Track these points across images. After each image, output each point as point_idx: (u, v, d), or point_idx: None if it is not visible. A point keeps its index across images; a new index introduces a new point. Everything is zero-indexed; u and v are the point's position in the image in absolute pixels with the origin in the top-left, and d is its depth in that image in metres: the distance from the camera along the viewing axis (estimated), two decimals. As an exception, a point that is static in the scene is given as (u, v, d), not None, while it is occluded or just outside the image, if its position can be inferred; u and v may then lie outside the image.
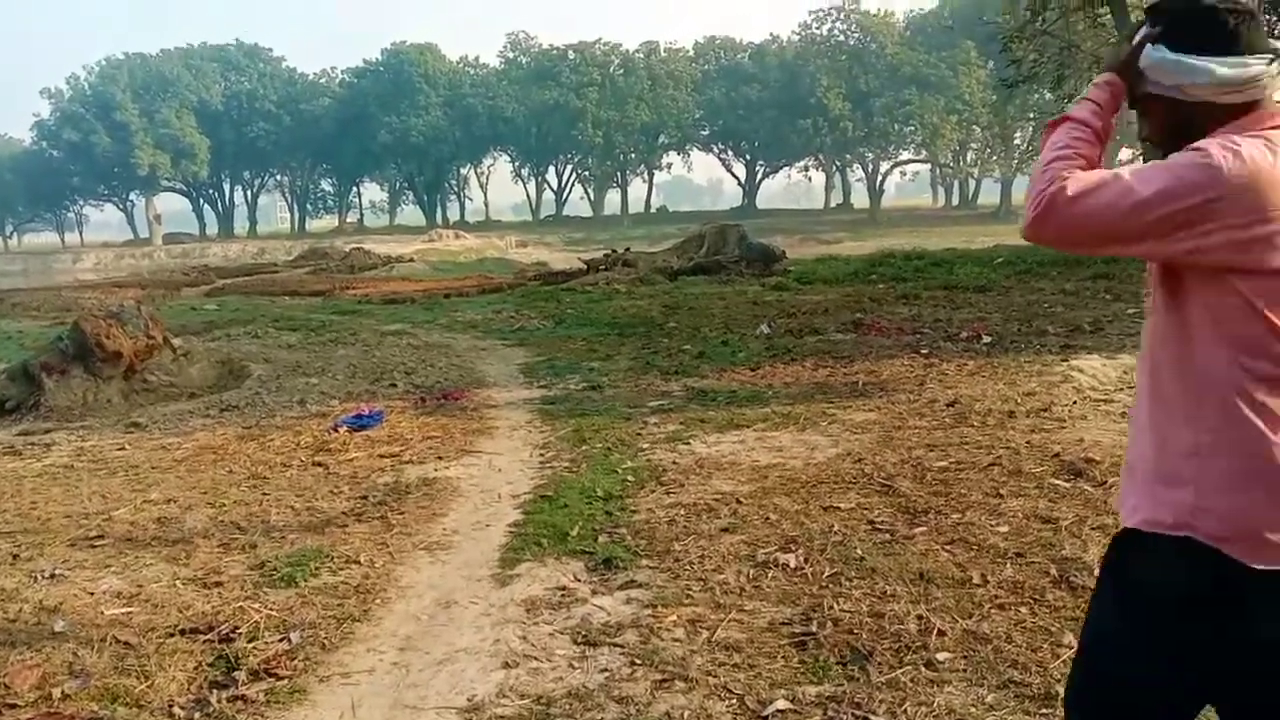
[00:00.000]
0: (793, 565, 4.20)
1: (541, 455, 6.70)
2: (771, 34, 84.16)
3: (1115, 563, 1.85)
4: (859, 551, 4.31)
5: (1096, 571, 3.92)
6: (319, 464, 6.81)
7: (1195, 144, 1.69)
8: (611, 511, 5.27)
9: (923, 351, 9.82)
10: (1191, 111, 1.78)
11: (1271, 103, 1.76)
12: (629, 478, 5.91)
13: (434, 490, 5.97)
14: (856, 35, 77.18)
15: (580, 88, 76.56)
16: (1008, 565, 4.09)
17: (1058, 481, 5.10)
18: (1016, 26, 20.24)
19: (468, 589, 4.37)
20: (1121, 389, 7.78)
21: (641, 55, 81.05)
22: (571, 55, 79.48)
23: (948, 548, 4.34)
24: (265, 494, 6.15)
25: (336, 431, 7.67)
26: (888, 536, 4.50)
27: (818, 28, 78.43)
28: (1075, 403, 7.06)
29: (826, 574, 4.11)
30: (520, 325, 14.35)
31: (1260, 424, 1.64)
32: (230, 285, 25.13)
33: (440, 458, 6.79)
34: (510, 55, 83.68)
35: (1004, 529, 4.50)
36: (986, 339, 10.37)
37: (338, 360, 11.06)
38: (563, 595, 4.18)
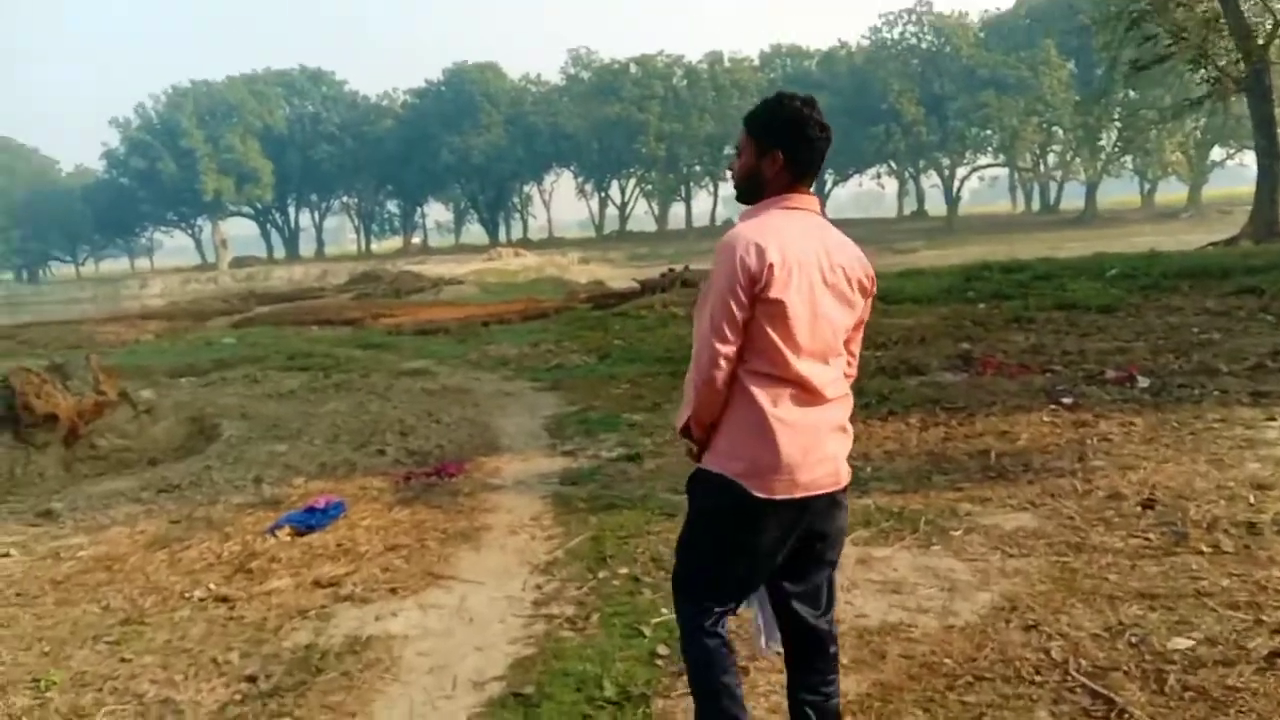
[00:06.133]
0: None
1: (539, 589, 4.56)
2: (840, 40, 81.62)
3: None
4: None
5: None
6: (225, 599, 4.76)
7: None
8: (623, 738, 3.11)
9: (1064, 401, 7.48)
10: None
11: None
12: (660, 648, 3.74)
13: (361, 666, 3.86)
14: (929, 38, 74.01)
15: (642, 100, 74.62)
16: None
17: None
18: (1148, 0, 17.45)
19: None
20: (1377, 466, 5.40)
21: (705, 66, 78.88)
22: (634, 69, 77.61)
23: None
24: (124, 660, 4.14)
25: (274, 535, 5.64)
26: None
27: (888, 31, 75.51)
28: (1338, 500, 4.70)
29: None
30: (558, 362, 12.25)
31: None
32: (265, 314, 23.49)
33: (394, 590, 4.68)
34: (572, 71, 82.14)
35: None
36: (1143, 381, 7.99)
37: (323, 417, 9.03)
38: None
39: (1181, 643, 3.30)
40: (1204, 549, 4.13)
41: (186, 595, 4.89)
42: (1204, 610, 3.55)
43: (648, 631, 3.89)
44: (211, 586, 4.97)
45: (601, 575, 4.60)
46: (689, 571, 2.66)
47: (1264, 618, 3.46)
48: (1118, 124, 67.22)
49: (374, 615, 4.38)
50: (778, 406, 2.45)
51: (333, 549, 5.35)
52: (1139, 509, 4.74)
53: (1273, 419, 6.35)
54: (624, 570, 4.63)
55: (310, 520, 5.79)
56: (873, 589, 4.16)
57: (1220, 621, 3.45)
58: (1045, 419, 7.00)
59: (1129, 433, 6.35)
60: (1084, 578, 3.99)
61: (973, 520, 4.91)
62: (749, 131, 2.60)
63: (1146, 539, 4.35)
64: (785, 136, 2.53)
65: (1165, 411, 6.85)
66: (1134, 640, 3.37)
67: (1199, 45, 16.42)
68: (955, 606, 3.87)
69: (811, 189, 2.62)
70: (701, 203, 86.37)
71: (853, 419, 7.48)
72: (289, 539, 5.61)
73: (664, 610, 4.08)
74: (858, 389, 8.29)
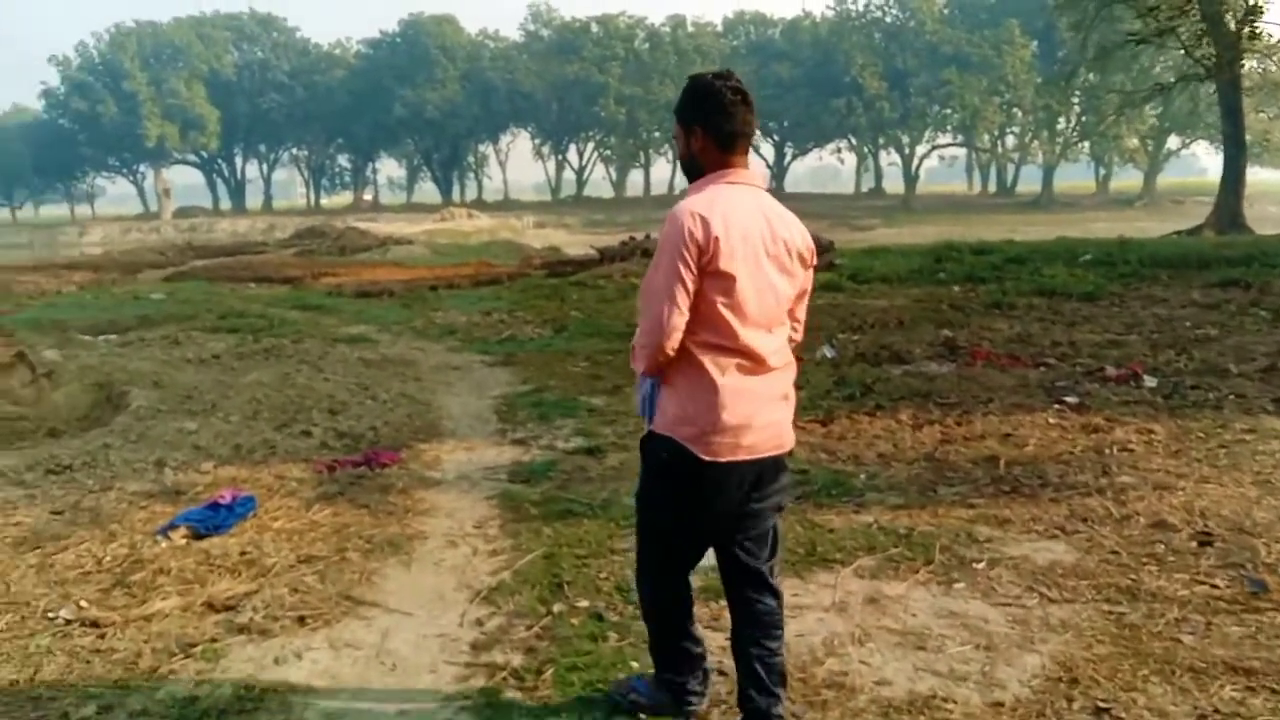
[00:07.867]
0: None
1: (479, 625, 3.74)
2: (804, 9, 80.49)
3: None
4: None
5: None
6: (95, 623, 3.89)
7: None
8: None
9: (1067, 400, 6.80)
10: None
11: None
12: (633, 722, 2.95)
13: (247, 733, 3.03)
14: (894, 12, 73.29)
15: (602, 61, 73.04)
16: None
17: None
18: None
19: None
20: None
21: (668, 29, 77.42)
22: (595, 28, 75.88)
23: None
24: (-52, 711, 3.25)
25: (167, 537, 4.76)
26: None
27: (853, 3, 74.68)
28: None
29: None
30: (511, 333, 11.38)
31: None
32: (200, 269, 22.21)
33: (302, 619, 3.84)
34: (531, 28, 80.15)
35: None
36: (1149, 381, 7.34)
37: (245, 389, 8.08)
38: None
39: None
40: (1288, 604, 3.43)
41: (50, 615, 4.01)
42: (1317, 696, 2.85)
43: (619, 691, 3.10)
44: (82, 604, 4.08)
45: (557, 609, 3.79)
46: (646, 524, 2.85)
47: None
48: (1077, 108, 67.19)
49: (273, 656, 3.54)
50: (725, 375, 2.58)
51: (234, 559, 4.47)
52: (1194, 544, 4.03)
53: (1306, 430, 5.72)
54: (584, 603, 3.83)
55: (213, 520, 4.90)
56: (890, 642, 3.40)
57: (1344, 716, 2.75)
58: (1051, 421, 6.31)
59: (1151, 442, 5.67)
60: (1150, 638, 3.27)
61: (995, 549, 4.18)
62: (676, 117, 2.74)
63: (1214, 586, 3.64)
64: (701, 110, 2.65)
65: (1184, 418, 6.19)
66: (1239, 739, 2.66)
67: (1200, 24, 15.79)
68: (998, 673, 3.13)
69: (747, 161, 2.69)
70: (660, 170, 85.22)
71: (838, 413, 6.73)
72: (184, 542, 4.73)
73: (634, 664, 3.29)
74: (839, 379, 7.53)
